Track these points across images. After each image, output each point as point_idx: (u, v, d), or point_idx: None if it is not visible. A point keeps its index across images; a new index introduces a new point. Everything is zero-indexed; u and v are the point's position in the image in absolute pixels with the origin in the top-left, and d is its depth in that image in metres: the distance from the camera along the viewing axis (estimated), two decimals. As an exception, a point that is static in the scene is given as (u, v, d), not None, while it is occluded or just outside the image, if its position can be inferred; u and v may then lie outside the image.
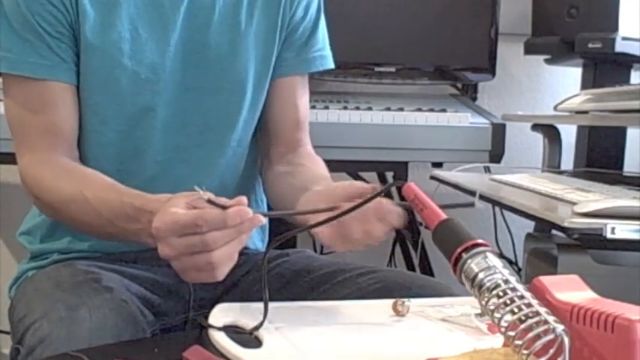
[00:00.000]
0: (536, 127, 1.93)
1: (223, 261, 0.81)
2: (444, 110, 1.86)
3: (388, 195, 2.23)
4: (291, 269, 1.11)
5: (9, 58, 1.04)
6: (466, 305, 0.90)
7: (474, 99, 2.15)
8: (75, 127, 1.08)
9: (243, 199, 0.81)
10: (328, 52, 1.22)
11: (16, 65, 1.04)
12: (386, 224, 0.87)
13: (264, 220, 0.84)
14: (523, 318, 0.58)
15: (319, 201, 0.91)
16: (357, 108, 1.83)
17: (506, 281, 0.61)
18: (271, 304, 0.84)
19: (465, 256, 0.65)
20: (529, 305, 0.58)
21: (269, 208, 1.23)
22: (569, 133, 1.95)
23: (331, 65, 1.22)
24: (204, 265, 0.80)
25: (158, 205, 0.84)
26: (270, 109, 1.18)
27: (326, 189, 0.94)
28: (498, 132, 1.82)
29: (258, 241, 1.24)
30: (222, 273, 0.82)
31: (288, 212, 0.98)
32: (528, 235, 1.63)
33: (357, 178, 1.96)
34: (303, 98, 1.21)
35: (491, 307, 0.60)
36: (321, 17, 1.20)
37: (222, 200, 0.81)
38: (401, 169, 1.83)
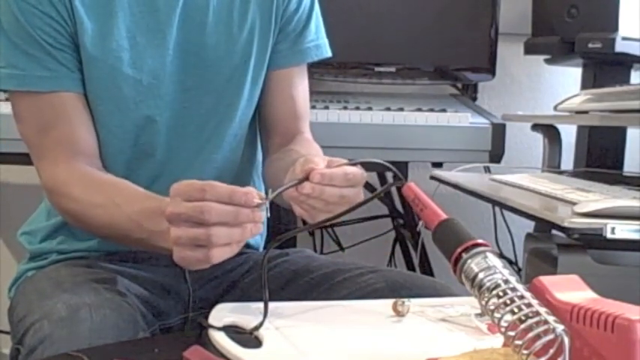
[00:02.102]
0: (536, 127, 1.93)
1: (220, 241, 0.80)
2: (444, 110, 1.86)
3: (388, 195, 2.24)
4: (290, 269, 1.12)
5: (16, 75, 1.03)
6: (466, 305, 0.90)
7: (474, 99, 2.15)
8: (92, 136, 1.07)
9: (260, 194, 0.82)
10: (323, 41, 1.22)
11: (24, 81, 1.03)
12: (355, 187, 0.87)
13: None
14: (523, 318, 0.58)
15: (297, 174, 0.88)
16: (357, 108, 1.83)
17: (506, 281, 0.61)
18: (271, 304, 0.84)
19: (465, 256, 0.65)
20: (529, 305, 0.58)
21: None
22: (569, 133, 1.95)
23: (328, 54, 1.22)
24: (201, 238, 0.79)
25: None
26: (267, 101, 1.19)
27: (303, 160, 0.90)
28: (498, 132, 1.82)
29: (257, 236, 1.24)
30: (216, 256, 0.81)
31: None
32: (528, 235, 1.63)
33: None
34: (301, 88, 1.21)
35: (491, 307, 0.60)
36: (314, 7, 1.20)
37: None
38: (401, 169, 1.82)
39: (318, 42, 1.21)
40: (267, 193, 1.17)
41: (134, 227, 0.93)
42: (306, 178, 0.85)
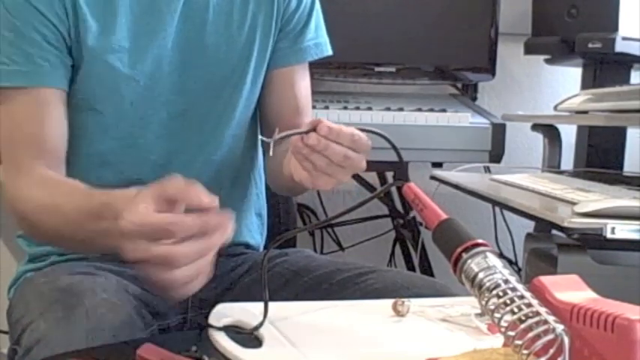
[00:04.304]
0: (536, 127, 1.93)
1: (187, 279, 0.73)
2: (444, 110, 1.86)
3: (388, 195, 2.24)
4: (290, 269, 1.11)
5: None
6: (466, 305, 0.90)
7: (474, 99, 2.15)
8: (61, 135, 1.04)
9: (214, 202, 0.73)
10: (323, 40, 1.21)
11: (4, 76, 1.01)
12: (359, 152, 0.87)
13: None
14: (523, 318, 0.58)
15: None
16: (357, 108, 1.83)
17: (506, 281, 0.61)
18: (271, 304, 0.84)
19: (465, 256, 0.64)
20: (529, 305, 0.58)
21: (269, 200, 1.23)
22: (569, 133, 1.95)
23: (328, 52, 1.22)
24: (167, 282, 0.73)
25: (125, 201, 0.77)
26: (270, 100, 1.18)
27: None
28: (498, 132, 1.82)
29: (257, 235, 1.24)
30: (189, 290, 0.75)
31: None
32: (528, 235, 1.63)
33: (359, 179, 1.96)
34: (303, 85, 1.20)
35: (492, 307, 0.60)
36: (315, 6, 1.20)
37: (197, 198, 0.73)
38: (401, 169, 1.82)
39: (318, 40, 1.20)
40: (268, 199, 1.17)
41: (74, 229, 0.90)
42: (314, 130, 0.84)
